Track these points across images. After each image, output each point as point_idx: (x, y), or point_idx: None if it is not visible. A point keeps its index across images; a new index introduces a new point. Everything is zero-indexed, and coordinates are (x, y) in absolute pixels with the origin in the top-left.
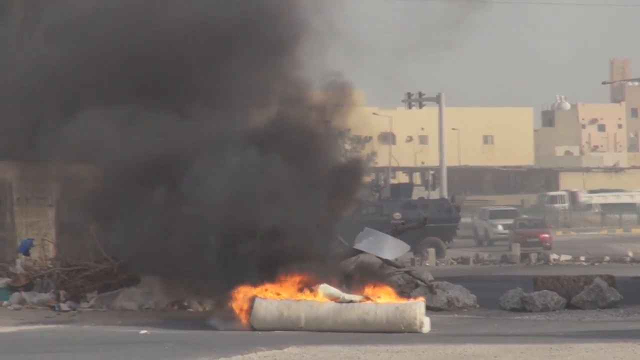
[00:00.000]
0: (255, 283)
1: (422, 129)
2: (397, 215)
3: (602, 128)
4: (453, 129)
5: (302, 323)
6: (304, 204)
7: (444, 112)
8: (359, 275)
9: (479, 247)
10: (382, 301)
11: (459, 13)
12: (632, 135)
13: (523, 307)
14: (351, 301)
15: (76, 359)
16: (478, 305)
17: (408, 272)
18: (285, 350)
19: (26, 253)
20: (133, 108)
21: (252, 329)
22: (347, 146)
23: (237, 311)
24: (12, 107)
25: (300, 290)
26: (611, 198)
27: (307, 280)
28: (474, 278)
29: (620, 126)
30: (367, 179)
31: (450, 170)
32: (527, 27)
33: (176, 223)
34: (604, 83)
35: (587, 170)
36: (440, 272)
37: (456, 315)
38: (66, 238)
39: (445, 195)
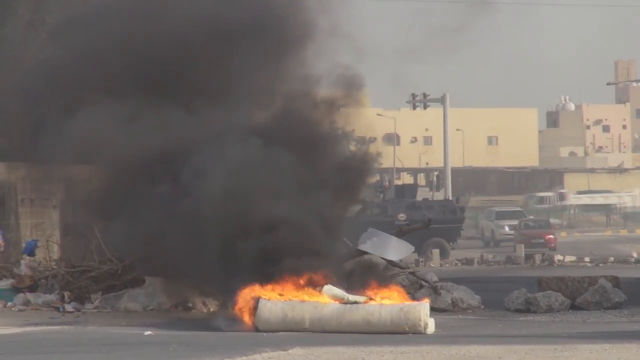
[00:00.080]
0: (254, 281)
1: (427, 130)
2: (402, 216)
3: (606, 129)
4: (457, 129)
5: (307, 324)
6: (307, 200)
7: (448, 113)
8: (359, 274)
9: (486, 247)
10: (388, 302)
11: (464, 18)
12: (636, 136)
13: (527, 308)
14: (355, 302)
15: None
16: (482, 306)
17: (412, 273)
18: (290, 351)
19: (31, 254)
20: (137, 105)
21: (257, 330)
22: (352, 147)
23: (241, 312)
24: (16, 108)
25: (303, 286)
26: (599, 199)
27: (308, 278)
28: (478, 279)
29: (624, 127)
30: (372, 179)
31: (455, 171)
32: (532, 28)
33: (176, 219)
34: (608, 84)
35: (592, 171)
36: (445, 273)
37: (460, 316)
38: (70, 239)
39: (450, 196)
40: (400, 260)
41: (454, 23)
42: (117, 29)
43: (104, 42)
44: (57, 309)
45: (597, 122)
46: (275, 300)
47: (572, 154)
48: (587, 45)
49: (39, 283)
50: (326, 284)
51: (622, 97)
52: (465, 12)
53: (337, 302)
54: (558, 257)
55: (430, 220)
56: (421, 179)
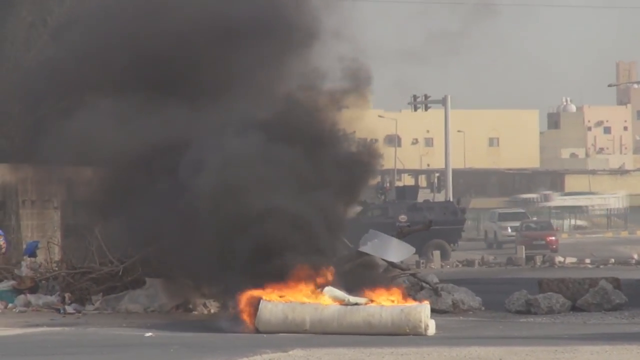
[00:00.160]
0: (250, 280)
1: (428, 131)
2: (403, 217)
3: (607, 130)
4: (458, 131)
5: (307, 325)
6: (307, 196)
7: (449, 114)
8: (357, 274)
9: (489, 249)
10: (389, 303)
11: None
12: (637, 138)
13: (528, 309)
14: (356, 304)
15: None
16: (483, 308)
17: (413, 275)
18: (290, 352)
19: (32, 255)
20: (137, 103)
21: (257, 331)
22: (354, 149)
23: (241, 314)
24: (18, 109)
25: (301, 284)
26: (584, 201)
27: (307, 274)
28: (479, 280)
29: (625, 128)
30: (374, 180)
31: (456, 172)
32: (533, 29)
33: (173, 216)
34: (609, 85)
35: (593, 172)
36: (446, 274)
37: (461, 317)
38: (71, 240)
39: (451, 197)
40: (401, 262)
41: (456, 26)
42: (119, 27)
43: (106, 40)
44: (58, 310)
45: (598, 123)
46: (276, 301)
47: (573, 155)
48: (588, 46)
49: (40, 284)
50: (325, 281)
51: (623, 99)
52: (466, 16)
53: (337, 304)
54: (559, 258)
55: (431, 222)
56: (422, 181)
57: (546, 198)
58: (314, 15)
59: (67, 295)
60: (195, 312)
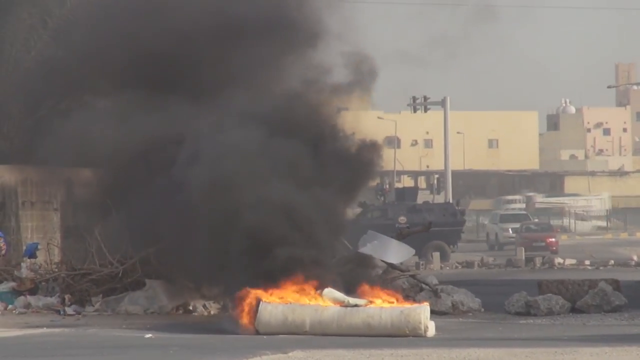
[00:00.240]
0: (245, 278)
1: (427, 132)
2: (402, 219)
3: (607, 132)
4: (458, 132)
5: (307, 327)
6: (305, 190)
7: (448, 115)
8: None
9: (491, 251)
10: (388, 305)
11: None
12: (637, 139)
13: (528, 311)
14: (356, 305)
15: None
16: (483, 309)
17: (413, 276)
18: (290, 354)
19: (31, 257)
20: (136, 101)
21: (257, 332)
22: (354, 148)
23: (241, 315)
24: (17, 110)
25: (299, 283)
26: (567, 202)
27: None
28: (478, 282)
29: (625, 130)
30: (373, 182)
31: (455, 174)
32: (532, 31)
33: (170, 212)
34: (609, 87)
35: (592, 174)
36: (445, 276)
37: (461, 319)
38: (71, 242)
39: (450, 199)
40: (401, 263)
41: (455, 28)
42: (120, 26)
43: (107, 40)
44: (58, 311)
45: (598, 125)
46: (276, 303)
47: (572, 157)
48: (587, 48)
49: (40, 286)
50: (321, 277)
51: (622, 100)
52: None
53: (337, 305)
54: (558, 260)
55: (430, 223)
56: (422, 182)
57: (530, 200)
58: (315, 14)
59: (67, 296)
60: (195, 314)
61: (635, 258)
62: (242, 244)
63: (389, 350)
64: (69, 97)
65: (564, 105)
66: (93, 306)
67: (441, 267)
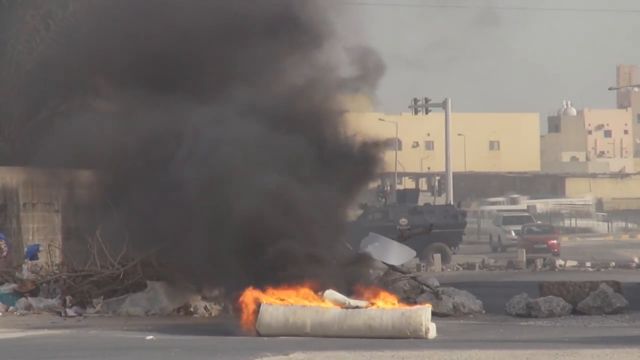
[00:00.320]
0: (244, 274)
1: (428, 134)
2: (403, 221)
3: (608, 134)
4: (459, 134)
5: (308, 329)
6: (305, 186)
7: (450, 117)
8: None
9: (494, 252)
10: (390, 306)
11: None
12: (638, 141)
13: (529, 312)
14: (357, 307)
15: None
16: (484, 311)
17: (414, 278)
18: (291, 355)
19: (33, 258)
20: (138, 100)
21: (258, 334)
22: (356, 147)
23: (242, 317)
24: (18, 112)
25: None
26: (552, 205)
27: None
28: (479, 284)
29: (626, 132)
30: (373, 184)
31: (456, 175)
32: (534, 33)
33: (169, 210)
34: (610, 89)
35: (594, 176)
36: (446, 277)
37: (462, 321)
38: (72, 243)
39: (451, 201)
40: (402, 265)
41: (457, 31)
42: (121, 26)
43: (108, 39)
44: (59, 313)
45: (599, 127)
46: (277, 304)
47: (573, 159)
48: (588, 50)
49: (41, 287)
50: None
51: (623, 102)
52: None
53: (338, 307)
54: (559, 262)
55: (431, 225)
56: (423, 184)
57: (514, 202)
58: (320, 14)
59: (68, 298)
60: (197, 315)
61: (636, 260)
62: (237, 237)
63: (390, 352)
64: (70, 98)
65: (565, 107)
66: (94, 308)
67: (442, 269)
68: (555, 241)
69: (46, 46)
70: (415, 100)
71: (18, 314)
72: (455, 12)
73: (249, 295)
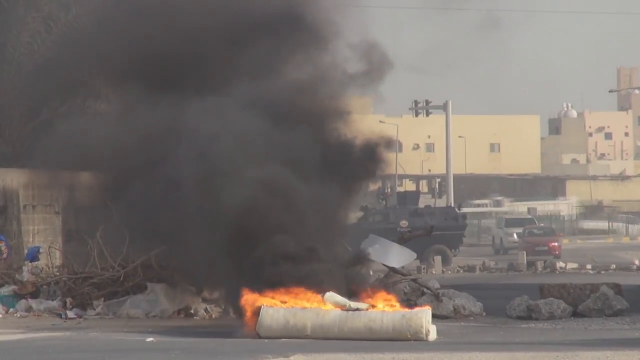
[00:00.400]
0: (242, 281)
1: (429, 136)
2: (404, 223)
3: (608, 136)
4: (460, 136)
5: (308, 331)
6: (304, 182)
7: (450, 119)
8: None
9: (496, 255)
10: (390, 309)
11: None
12: (638, 143)
13: (529, 315)
14: (357, 309)
15: None
16: (484, 313)
17: (414, 280)
18: (292, 358)
19: (33, 260)
20: (139, 99)
21: (258, 336)
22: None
23: (243, 319)
24: (19, 113)
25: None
26: (538, 207)
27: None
28: (480, 286)
29: (626, 134)
30: (374, 186)
31: (457, 178)
32: (534, 35)
33: (168, 208)
34: (610, 91)
35: (594, 178)
36: (447, 280)
37: (462, 323)
38: (73, 245)
39: (452, 203)
40: (402, 267)
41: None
42: (123, 25)
43: (112, 37)
44: (59, 315)
45: (599, 129)
46: (277, 307)
47: (574, 161)
48: (589, 52)
49: (41, 289)
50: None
51: (624, 105)
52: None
53: (338, 309)
54: (560, 264)
55: (432, 227)
56: (423, 186)
57: (498, 204)
58: (324, 14)
59: (68, 300)
60: (197, 317)
61: (636, 262)
62: (232, 233)
63: (390, 354)
64: (70, 100)
65: (565, 109)
66: (94, 310)
67: (443, 271)
68: (556, 243)
69: (47, 48)
70: (416, 103)
71: (18, 315)
72: (456, 14)
73: (250, 298)
